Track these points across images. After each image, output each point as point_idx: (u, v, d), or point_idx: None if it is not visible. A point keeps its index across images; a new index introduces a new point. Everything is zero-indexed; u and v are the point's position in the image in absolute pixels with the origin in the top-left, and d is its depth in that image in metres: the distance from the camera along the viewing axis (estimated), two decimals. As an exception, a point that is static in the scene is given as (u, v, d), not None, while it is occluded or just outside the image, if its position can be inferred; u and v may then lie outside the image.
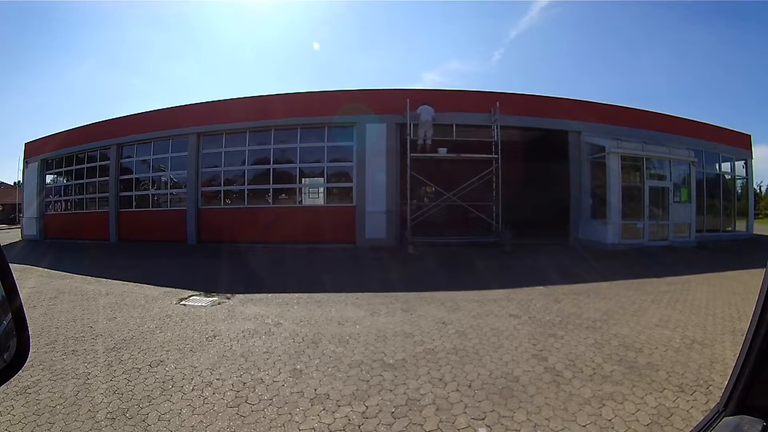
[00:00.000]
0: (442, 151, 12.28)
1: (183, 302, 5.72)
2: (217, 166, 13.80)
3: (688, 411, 2.62)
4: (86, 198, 16.41)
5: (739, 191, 16.59)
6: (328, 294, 6.13)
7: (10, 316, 1.02)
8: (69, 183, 17.24)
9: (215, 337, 4.21)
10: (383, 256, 10.24)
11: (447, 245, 12.00)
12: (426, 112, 11.73)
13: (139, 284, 6.90)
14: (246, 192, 13.43)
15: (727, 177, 16.05)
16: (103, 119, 15.89)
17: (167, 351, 3.80)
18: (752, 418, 0.79)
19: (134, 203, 15.03)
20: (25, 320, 1.04)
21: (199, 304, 5.64)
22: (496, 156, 12.38)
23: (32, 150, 18.21)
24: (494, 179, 12.60)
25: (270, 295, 6.09)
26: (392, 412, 2.65)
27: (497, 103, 12.40)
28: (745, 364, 0.82)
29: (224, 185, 13.77)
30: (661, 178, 12.42)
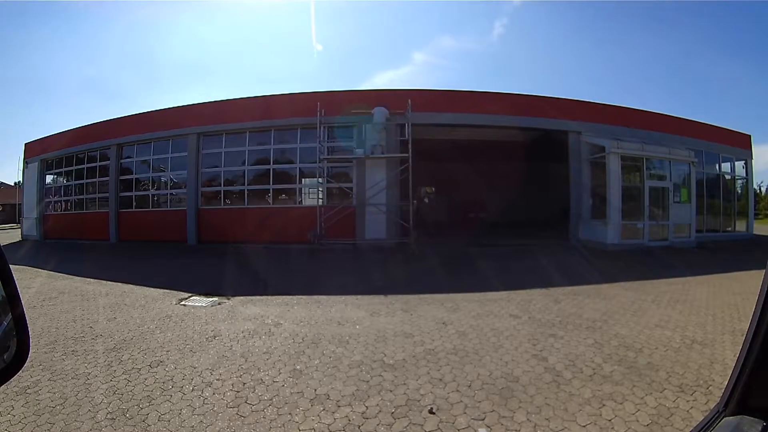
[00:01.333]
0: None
1: (183, 302, 5.72)
2: (217, 167, 13.81)
3: (688, 411, 2.62)
4: (86, 198, 16.42)
5: (739, 191, 16.60)
6: (328, 294, 6.12)
7: (10, 316, 1.02)
8: (69, 183, 17.25)
9: (215, 337, 4.21)
10: (383, 256, 10.24)
11: (447, 245, 12.01)
12: (380, 113, 11.68)
13: (139, 284, 6.90)
14: (246, 192, 13.44)
15: (727, 177, 16.06)
16: (103, 119, 15.93)
17: (167, 351, 3.80)
18: (752, 418, 0.79)
19: (134, 203, 15.04)
20: (25, 321, 1.04)
21: (199, 304, 5.64)
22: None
23: (32, 150, 18.23)
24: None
25: (270, 295, 6.09)
26: (392, 413, 2.65)
27: (496, 103, 12.40)
28: (745, 364, 0.82)
29: (224, 185, 13.78)
30: (661, 178, 12.42)
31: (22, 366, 1.05)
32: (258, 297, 5.99)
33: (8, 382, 1.21)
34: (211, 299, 5.88)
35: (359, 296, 5.94)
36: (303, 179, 13.33)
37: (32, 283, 7.21)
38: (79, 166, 16.56)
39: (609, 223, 11.55)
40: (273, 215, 12.92)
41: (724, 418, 0.83)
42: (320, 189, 12.43)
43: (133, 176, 15.26)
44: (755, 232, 16.05)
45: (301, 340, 4.08)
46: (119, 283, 7.08)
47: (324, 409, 2.70)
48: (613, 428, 2.43)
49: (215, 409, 2.72)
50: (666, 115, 14.58)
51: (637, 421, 2.50)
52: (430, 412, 2.65)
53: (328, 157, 12.30)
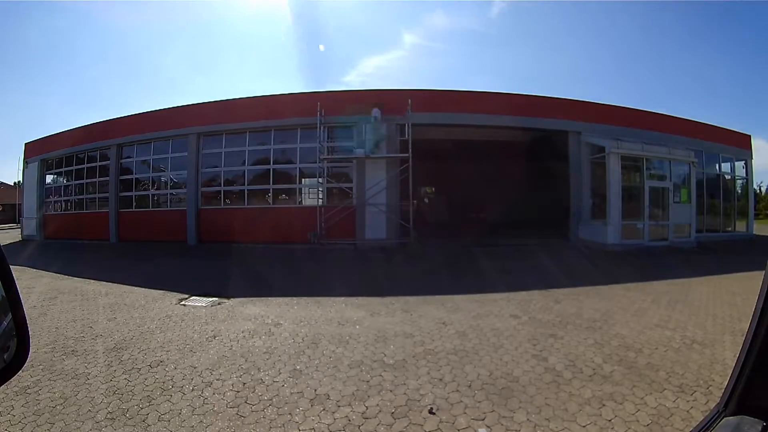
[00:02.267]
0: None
1: (183, 302, 5.72)
2: (217, 167, 13.82)
3: (688, 411, 2.62)
4: (86, 198, 16.42)
5: (739, 191, 16.60)
6: (327, 294, 6.12)
7: (10, 316, 1.02)
8: (69, 183, 17.25)
9: (215, 337, 4.21)
10: (383, 256, 10.24)
11: (447, 245, 12.01)
12: (376, 115, 11.86)
13: (138, 284, 6.90)
14: (246, 192, 13.44)
15: (727, 177, 16.07)
16: (103, 119, 15.93)
17: (167, 351, 3.80)
18: (752, 418, 0.79)
19: (134, 203, 15.04)
20: (25, 320, 1.04)
21: (199, 304, 5.64)
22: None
23: (32, 150, 18.23)
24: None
25: (270, 295, 6.09)
26: (392, 413, 2.65)
27: (496, 103, 12.41)
28: (745, 364, 0.82)
29: (224, 185, 13.78)
30: (661, 178, 12.42)
31: (22, 366, 1.05)
32: (258, 297, 5.99)
33: (8, 382, 1.21)
34: (211, 299, 5.88)
35: (359, 296, 5.94)
36: (303, 179, 13.33)
37: (32, 284, 7.21)
38: (79, 166, 16.56)
39: (609, 223, 11.55)
40: (273, 215, 12.92)
41: (724, 418, 0.83)
42: (320, 189, 12.43)
43: (133, 176, 15.25)
44: (755, 232, 16.05)
45: (301, 340, 4.08)
46: (119, 283, 7.08)
47: (324, 409, 2.70)
48: (613, 428, 2.43)
49: (215, 409, 2.72)
50: (666, 115, 14.59)
51: (637, 421, 2.50)
52: (430, 412, 2.65)
53: (328, 157, 12.30)
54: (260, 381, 3.14)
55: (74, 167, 16.74)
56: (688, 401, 2.74)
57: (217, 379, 3.17)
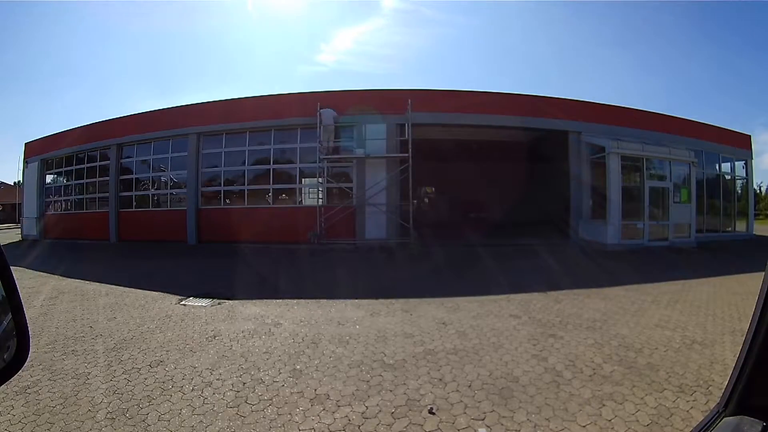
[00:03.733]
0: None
1: (183, 302, 5.71)
2: (217, 166, 13.83)
3: (688, 411, 2.61)
4: (86, 198, 16.43)
5: (739, 191, 16.61)
6: (327, 294, 6.11)
7: (10, 316, 1.02)
8: (69, 183, 17.27)
9: (215, 337, 4.21)
10: (383, 256, 10.24)
11: (447, 245, 12.01)
12: (328, 115, 11.80)
13: (138, 284, 6.89)
14: (246, 192, 13.45)
15: (727, 177, 16.08)
16: (104, 119, 15.94)
17: (167, 351, 3.80)
18: (752, 418, 0.79)
19: (134, 203, 15.06)
20: (25, 320, 1.04)
21: (199, 304, 5.64)
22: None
23: (32, 150, 18.24)
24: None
25: (269, 295, 6.09)
26: (392, 413, 2.65)
27: (497, 103, 12.41)
28: (745, 364, 0.82)
29: (224, 185, 13.79)
30: (661, 178, 12.42)
31: (22, 366, 1.05)
32: (258, 297, 5.99)
33: (8, 382, 1.21)
34: (210, 299, 5.87)
35: (359, 296, 5.94)
36: (303, 179, 13.34)
37: (32, 284, 7.21)
38: (79, 166, 16.57)
39: (609, 223, 11.55)
40: (273, 215, 12.93)
41: (724, 418, 0.83)
42: (320, 189, 12.43)
43: (133, 176, 15.27)
44: (755, 232, 16.05)
45: (301, 340, 4.08)
46: (119, 284, 7.07)
47: (324, 409, 2.70)
48: (613, 428, 2.43)
49: (215, 409, 2.72)
50: (666, 115, 14.61)
51: (637, 421, 2.50)
52: (430, 412, 2.64)
53: (328, 157, 12.30)
54: (260, 381, 3.14)
55: (74, 167, 16.76)
56: (688, 401, 2.74)
57: (217, 379, 3.17)
